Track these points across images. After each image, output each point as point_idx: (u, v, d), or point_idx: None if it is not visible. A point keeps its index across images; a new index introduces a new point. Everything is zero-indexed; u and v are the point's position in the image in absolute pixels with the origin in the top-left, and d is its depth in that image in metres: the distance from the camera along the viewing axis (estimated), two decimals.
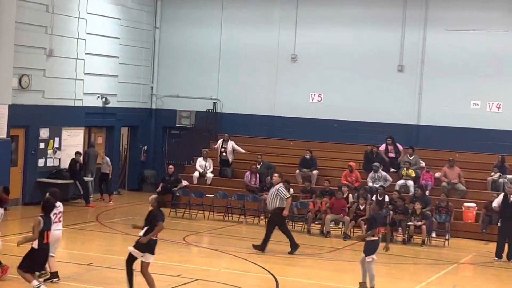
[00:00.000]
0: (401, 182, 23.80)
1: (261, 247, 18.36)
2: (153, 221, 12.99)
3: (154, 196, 13.75)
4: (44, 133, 24.22)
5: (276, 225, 18.67)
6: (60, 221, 14.11)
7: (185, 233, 18.81)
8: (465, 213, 22.57)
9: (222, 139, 26.26)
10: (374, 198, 22.27)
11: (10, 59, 21.97)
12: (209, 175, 25.85)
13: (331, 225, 21.86)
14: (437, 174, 24.02)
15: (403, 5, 26.15)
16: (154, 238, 13.03)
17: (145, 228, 13.02)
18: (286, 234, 18.64)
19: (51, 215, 13.32)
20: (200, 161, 26.10)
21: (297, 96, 27.45)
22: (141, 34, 28.58)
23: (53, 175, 24.34)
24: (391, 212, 21.37)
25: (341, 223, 21.91)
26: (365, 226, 21.26)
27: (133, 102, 28.47)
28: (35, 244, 12.77)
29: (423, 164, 24.61)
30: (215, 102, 28.45)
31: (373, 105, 26.44)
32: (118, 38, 27.32)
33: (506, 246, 19.18)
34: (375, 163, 24.05)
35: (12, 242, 17.72)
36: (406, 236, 21.00)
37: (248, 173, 24.89)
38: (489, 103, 25.39)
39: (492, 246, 19.79)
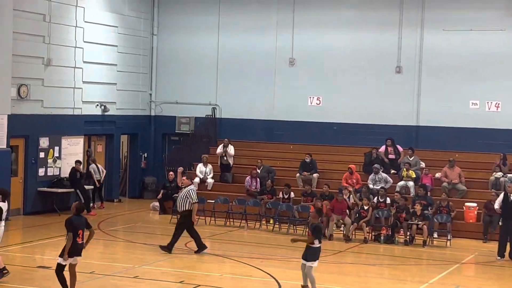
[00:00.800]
0: (401, 183, 23.79)
1: (167, 248, 18.31)
2: (69, 228, 13.16)
3: (75, 203, 13.96)
4: (43, 142, 24.23)
5: (185, 228, 18.58)
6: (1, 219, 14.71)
7: (186, 239, 18.80)
8: (467, 213, 22.56)
9: (222, 144, 26.28)
10: (375, 200, 22.31)
11: (8, 69, 21.98)
12: (210, 180, 25.86)
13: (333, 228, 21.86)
14: (438, 175, 24.02)
15: (399, 7, 26.16)
16: (80, 242, 13.23)
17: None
18: (193, 237, 18.58)
19: None
20: (200, 167, 26.10)
21: (295, 100, 27.45)
22: (138, 42, 28.61)
23: (54, 184, 24.34)
24: (394, 212, 21.40)
25: (342, 225, 21.90)
26: (367, 228, 21.42)
27: (132, 110, 28.48)
28: None
29: (423, 165, 24.61)
30: (214, 108, 28.48)
31: (372, 107, 26.45)
32: (116, 46, 27.35)
33: (508, 245, 19.19)
34: (375, 165, 24.05)
35: (14, 252, 17.77)
36: (409, 237, 21.00)
37: (248, 177, 24.89)
38: (488, 102, 25.38)
39: (494, 245, 19.79)
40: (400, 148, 25.13)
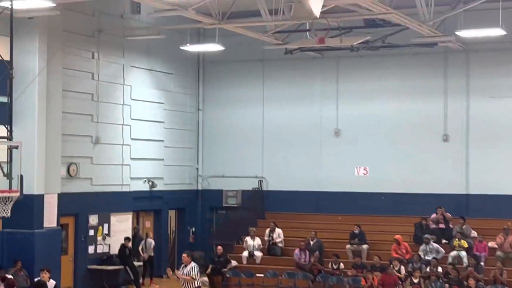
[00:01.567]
0: (453, 253, 23.37)
1: None
2: None
3: None
4: (93, 219, 24.37)
5: None
6: None
7: None
8: None
9: (268, 229, 26.09)
10: (428, 270, 21.93)
11: (58, 149, 22.32)
12: (258, 253, 25.69)
13: None
14: (490, 244, 23.57)
15: (444, 76, 26.08)
16: None
17: None
18: None
19: None
20: (248, 240, 25.99)
21: (342, 170, 27.31)
22: (184, 117, 28.90)
23: (104, 262, 24.37)
24: (447, 285, 20.98)
25: None
26: None
27: (179, 184, 28.58)
28: None
29: (475, 234, 24.17)
30: (260, 180, 28.48)
31: (420, 176, 26.14)
32: (163, 122, 27.65)
33: None
34: (426, 235, 23.72)
35: None
36: None
37: (297, 250, 24.68)
38: None
39: None
40: (449, 215, 24.69)
